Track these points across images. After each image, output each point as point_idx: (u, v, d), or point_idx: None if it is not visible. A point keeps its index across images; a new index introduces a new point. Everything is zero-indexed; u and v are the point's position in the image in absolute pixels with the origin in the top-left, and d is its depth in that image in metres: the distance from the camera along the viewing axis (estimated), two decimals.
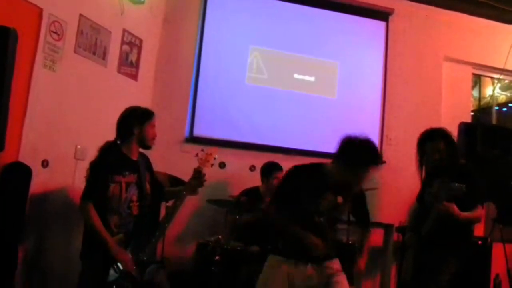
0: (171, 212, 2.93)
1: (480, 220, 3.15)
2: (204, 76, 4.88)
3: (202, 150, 3.02)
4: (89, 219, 2.71)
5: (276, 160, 4.24)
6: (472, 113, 5.79)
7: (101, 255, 2.67)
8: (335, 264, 2.67)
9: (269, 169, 4.17)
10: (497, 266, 4.58)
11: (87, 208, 2.71)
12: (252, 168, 4.63)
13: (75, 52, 3.63)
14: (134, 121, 2.90)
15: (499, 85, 6.02)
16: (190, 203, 3.71)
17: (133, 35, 4.32)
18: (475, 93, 5.98)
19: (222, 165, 4.53)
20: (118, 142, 2.92)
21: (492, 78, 5.97)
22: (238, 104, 4.93)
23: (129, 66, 4.32)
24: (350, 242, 4.10)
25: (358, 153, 2.54)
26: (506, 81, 6.05)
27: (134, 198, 2.86)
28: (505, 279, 4.61)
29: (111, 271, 2.65)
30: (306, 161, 2.82)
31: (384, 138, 5.22)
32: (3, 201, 2.87)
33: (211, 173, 3.10)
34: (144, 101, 4.07)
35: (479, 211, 3.01)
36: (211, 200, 4.03)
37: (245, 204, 3.85)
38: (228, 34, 5.00)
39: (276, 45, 5.10)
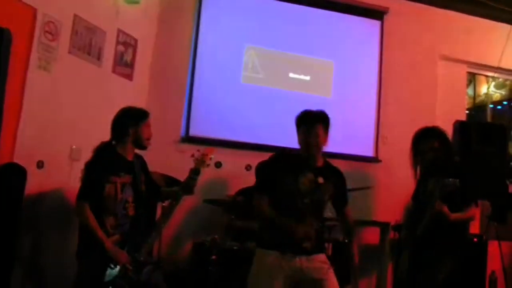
0: (167, 213, 2.92)
1: (474, 218, 3.17)
2: (199, 76, 4.87)
3: (198, 150, 3.02)
4: (85, 219, 2.70)
5: None
6: (467, 111, 5.81)
7: (97, 255, 2.66)
8: (323, 257, 2.66)
9: None
10: (493, 263, 4.60)
11: (83, 209, 2.70)
12: (248, 167, 4.62)
13: (69, 52, 3.61)
14: (129, 122, 2.90)
15: (493, 83, 6.04)
16: (186, 203, 3.70)
17: (128, 35, 4.31)
18: (470, 91, 6.00)
19: (218, 164, 4.53)
20: (113, 142, 2.91)
21: (486, 76, 5.99)
22: (234, 103, 4.93)
23: (124, 66, 4.31)
24: (346, 241, 4.11)
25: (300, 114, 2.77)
26: (501, 79, 6.07)
27: (130, 198, 2.86)
28: (501, 276, 4.64)
29: (108, 271, 2.65)
30: None
31: (380, 137, 5.23)
32: None
33: (207, 173, 3.10)
34: (139, 101, 4.06)
35: (472, 210, 3.03)
36: (208, 200, 4.03)
37: (241, 204, 3.85)
38: (223, 33, 4.99)
39: (271, 44, 5.10)
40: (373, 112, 5.27)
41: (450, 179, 2.80)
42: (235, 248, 3.73)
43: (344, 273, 2.77)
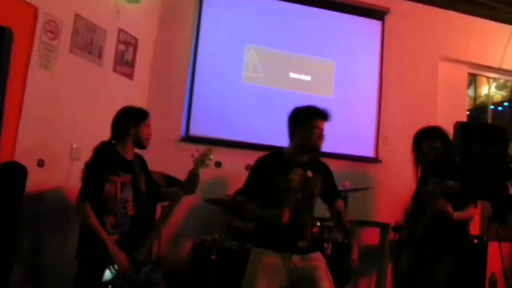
0: (166, 213, 2.92)
1: (472, 218, 3.17)
2: (200, 75, 4.87)
3: (198, 150, 3.02)
4: (86, 219, 2.70)
5: None
6: (467, 112, 5.80)
7: (97, 254, 2.66)
8: (319, 255, 2.68)
9: None
10: (493, 265, 4.59)
11: (84, 209, 2.70)
12: (248, 167, 4.59)
13: (70, 51, 3.62)
14: (129, 121, 2.90)
15: (494, 84, 6.04)
16: (187, 202, 3.70)
17: (128, 34, 4.31)
18: (471, 92, 6.00)
19: (218, 164, 4.53)
20: (113, 142, 2.91)
21: (487, 77, 5.99)
22: (234, 103, 4.93)
23: (124, 65, 4.31)
24: (345, 241, 4.10)
25: (303, 110, 2.72)
26: (502, 80, 6.07)
27: (129, 198, 2.86)
28: (501, 278, 4.63)
29: (107, 271, 2.65)
30: None
31: (380, 137, 5.23)
32: None
33: (207, 173, 3.09)
34: (139, 101, 4.07)
35: (472, 210, 3.03)
36: (208, 199, 4.03)
37: (240, 204, 3.84)
38: (224, 33, 4.99)
39: (272, 44, 5.10)
40: (373, 113, 5.27)
41: (451, 182, 2.79)
42: (234, 248, 3.73)
43: (344, 273, 2.76)
